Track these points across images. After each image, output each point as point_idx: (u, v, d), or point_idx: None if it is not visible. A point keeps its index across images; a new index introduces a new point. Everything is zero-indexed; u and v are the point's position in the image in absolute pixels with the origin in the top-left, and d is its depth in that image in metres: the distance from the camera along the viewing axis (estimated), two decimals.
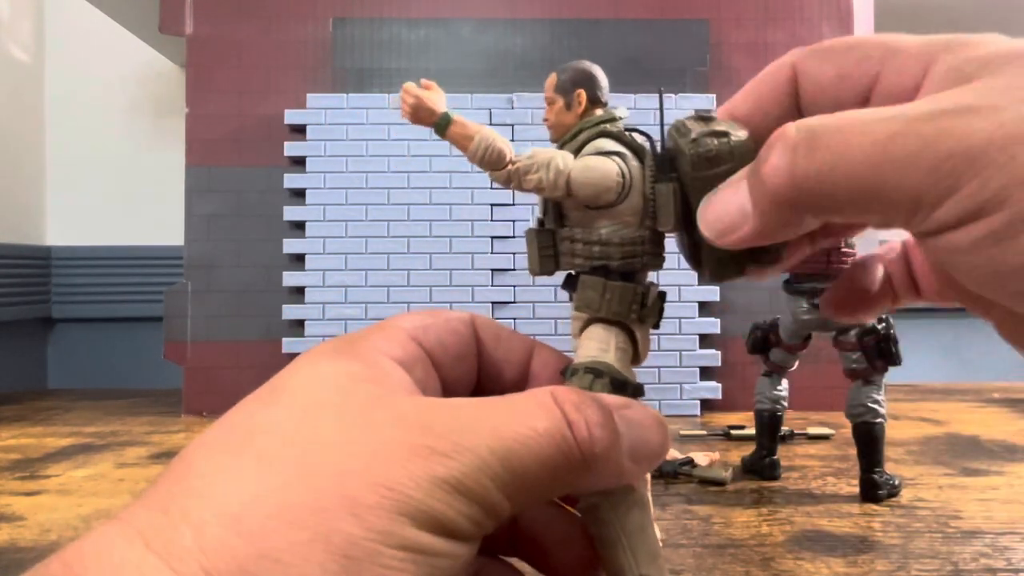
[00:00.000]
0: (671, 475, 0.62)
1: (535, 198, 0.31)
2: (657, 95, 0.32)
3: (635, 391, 0.28)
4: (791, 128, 0.21)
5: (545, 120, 0.33)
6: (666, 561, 0.27)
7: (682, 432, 0.81)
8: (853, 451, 0.58)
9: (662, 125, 0.30)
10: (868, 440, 0.57)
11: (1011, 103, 0.18)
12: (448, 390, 0.27)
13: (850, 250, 0.57)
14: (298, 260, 0.96)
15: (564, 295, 0.30)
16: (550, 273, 0.30)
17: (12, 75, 1.24)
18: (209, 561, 0.17)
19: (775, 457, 0.63)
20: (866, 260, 0.28)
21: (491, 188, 0.94)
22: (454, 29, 0.99)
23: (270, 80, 0.98)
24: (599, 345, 0.28)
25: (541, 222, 0.31)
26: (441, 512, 0.19)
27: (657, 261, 0.30)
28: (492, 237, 0.95)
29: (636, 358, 0.29)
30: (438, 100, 0.32)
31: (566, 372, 0.28)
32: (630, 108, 0.94)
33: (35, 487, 0.62)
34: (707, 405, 0.94)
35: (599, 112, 0.32)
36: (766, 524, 0.50)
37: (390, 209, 0.95)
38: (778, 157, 0.21)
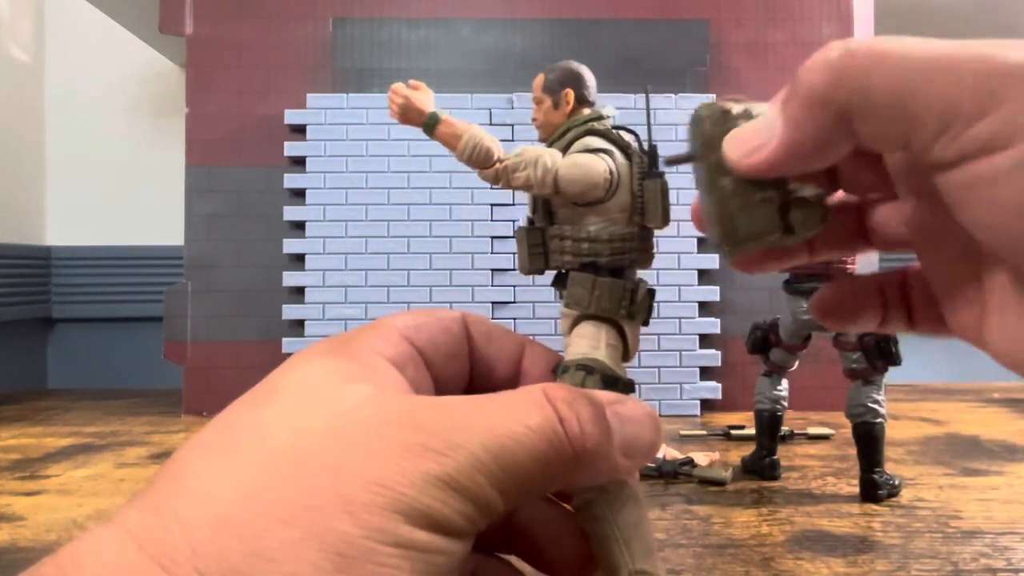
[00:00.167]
0: (671, 475, 0.62)
1: (531, 197, 0.31)
2: (644, 94, 0.32)
3: (626, 387, 0.28)
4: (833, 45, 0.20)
5: (533, 120, 0.33)
6: (663, 559, 0.27)
7: (682, 432, 0.81)
8: (853, 451, 0.58)
9: (649, 124, 0.30)
10: (868, 440, 0.57)
11: None
12: (440, 389, 0.27)
13: None
14: (298, 260, 0.96)
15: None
16: (540, 271, 0.30)
17: (12, 75, 1.24)
18: (202, 561, 0.17)
19: (775, 457, 0.63)
20: (864, 275, 0.27)
21: (491, 188, 0.94)
22: (454, 29, 0.99)
23: (270, 80, 0.98)
24: (589, 342, 0.28)
25: (531, 220, 0.31)
26: (435, 509, 0.19)
27: (646, 257, 0.30)
28: (492, 237, 0.95)
29: (626, 354, 0.29)
30: (426, 100, 0.32)
31: (557, 369, 0.28)
32: (630, 108, 0.95)
33: (35, 487, 0.62)
34: (707, 405, 0.94)
35: (587, 111, 0.32)
36: (766, 524, 0.50)
37: (390, 209, 0.95)
38: (817, 56, 0.20)
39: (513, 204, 0.95)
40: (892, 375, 0.57)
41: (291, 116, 0.97)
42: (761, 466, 0.62)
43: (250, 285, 0.96)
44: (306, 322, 0.94)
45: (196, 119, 0.98)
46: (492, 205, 0.95)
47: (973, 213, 0.19)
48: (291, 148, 0.96)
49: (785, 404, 0.63)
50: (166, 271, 1.24)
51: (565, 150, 0.30)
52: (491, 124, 0.95)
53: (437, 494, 0.19)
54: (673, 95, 0.97)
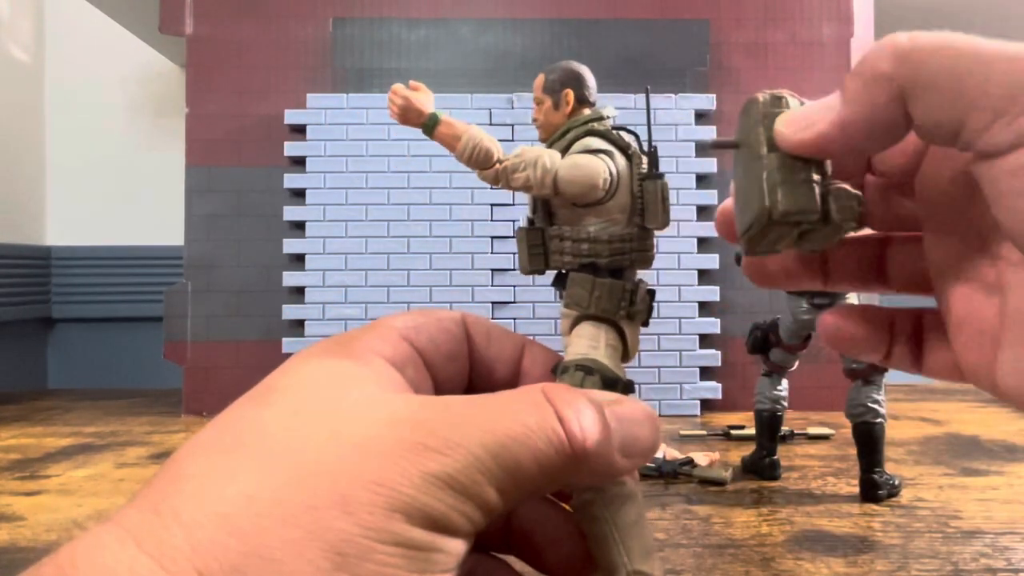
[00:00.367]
0: (671, 475, 0.62)
1: (531, 198, 0.31)
2: (645, 94, 0.32)
3: (625, 388, 0.28)
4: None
5: (534, 120, 0.33)
6: (663, 559, 0.27)
7: (682, 432, 0.80)
8: (853, 451, 0.58)
9: (649, 124, 0.30)
10: (868, 440, 0.57)
11: None
12: (440, 389, 0.27)
13: None
14: (298, 260, 0.96)
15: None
16: (540, 272, 0.30)
17: (12, 75, 1.24)
18: (201, 561, 0.17)
19: (775, 457, 0.63)
20: (877, 307, 0.27)
21: (491, 188, 0.94)
22: (454, 29, 0.99)
23: (270, 80, 0.98)
24: (589, 343, 0.28)
25: (531, 221, 0.31)
26: (434, 508, 0.19)
27: (646, 258, 0.30)
28: (492, 237, 0.95)
29: (626, 355, 0.29)
30: (426, 101, 0.32)
31: (557, 369, 0.28)
32: (630, 108, 0.95)
33: (35, 487, 0.62)
34: (707, 405, 0.94)
35: (587, 111, 0.32)
36: (766, 524, 0.50)
37: (390, 209, 0.95)
38: (883, 40, 0.21)
39: (513, 204, 0.95)
40: (892, 375, 0.57)
41: (291, 116, 0.97)
42: (761, 466, 0.62)
43: (250, 285, 0.96)
44: (306, 322, 0.94)
45: (196, 119, 0.98)
46: (492, 205, 0.95)
47: (1017, 204, 0.19)
48: (291, 148, 0.96)
49: (785, 404, 0.63)
50: (166, 271, 1.24)
51: (565, 151, 0.30)
52: (491, 124, 0.95)
53: (437, 493, 0.19)
54: (673, 95, 0.97)
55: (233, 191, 0.97)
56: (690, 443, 0.76)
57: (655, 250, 0.30)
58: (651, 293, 0.30)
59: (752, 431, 0.66)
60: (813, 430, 0.79)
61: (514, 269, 0.94)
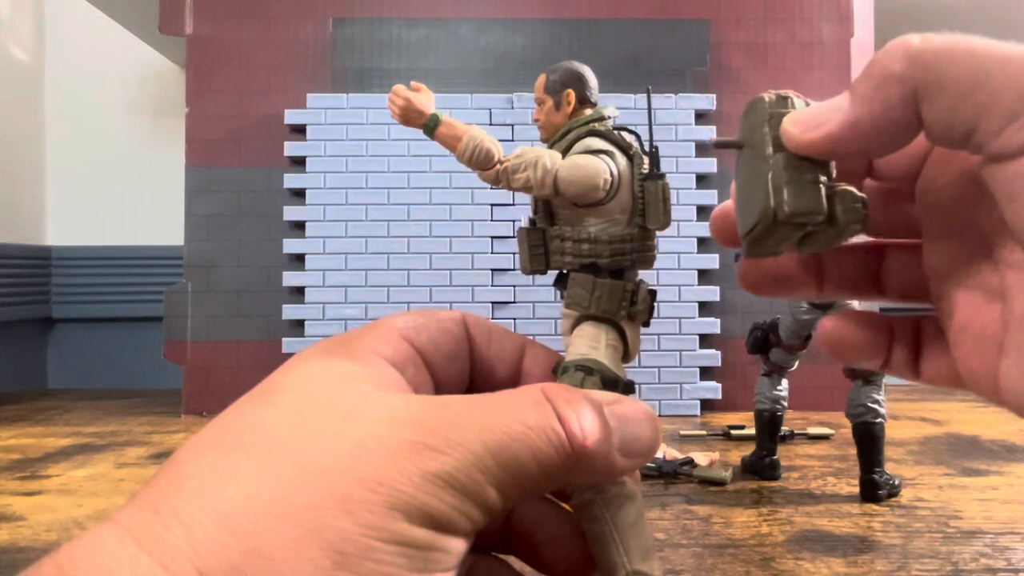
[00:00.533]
0: (671, 475, 0.62)
1: (532, 198, 0.31)
2: (646, 94, 0.32)
3: (625, 388, 0.28)
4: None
5: (535, 120, 0.33)
6: (663, 559, 0.27)
7: (682, 432, 0.80)
8: (853, 451, 0.58)
9: (651, 125, 0.30)
10: (868, 440, 0.57)
11: None
12: (440, 389, 0.27)
13: None
14: (298, 260, 0.96)
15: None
16: (542, 272, 0.30)
17: (12, 75, 1.24)
18: (201, 559, 0.17)
19: (775, 457, 0.63)
20: (876, 313, 0.27)
21: (491, 188, 0.94)
22: (454, 29, 0.99)
23: (270, 80, 0.98)
24: (589, 343, 0.28)
25: (533, 221, 0.31)
26: (433, 506, 0.19)
27: (646, 258, 0.30)
28: (492, 237, 0.95)
29: (626, 355, 0.29)
30: (427, 102, 0.32)
31: (557, 369, 0.28)
32: (631, 108, 0.95)
33: (35, 487, 0.62)
34: (707, 405, 0.94)
35: (588, 112, 0.32)
36: (766, 524, 0.50)
37: (390, 209, 0.95)
38: (896, 41, 0.20)
39: (513, 204, 0.95)
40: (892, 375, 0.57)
41: (291, 116, 0.97)
42: (761, 466, 0.62)
43: (250, 285, 0.96)
44: (306, 322, 0.94)
45: (196, 119, 0.98)
46: (492, 205, 0.95)
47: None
48: (291, 148, 0.96)
49: (785, 404, 0.63)
50: (166, 271, 1.24)
51: (566, 151, 0.30)
52: (491, 124, 0.95)
53: (436, 492, 0.19)
54: (673, 95, 0.97)
55: (233, 191, 0.97)
56: (690, 443, 0.76)
57: (656, 251, 0.30)
58: (652, 293, 0.30)
59: (752, 431, 0.66)
60: (813, 430, 0.79)
61: (514, 269, 0.94)
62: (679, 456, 0.65)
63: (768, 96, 0.24)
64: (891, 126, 0.21)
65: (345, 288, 0.95)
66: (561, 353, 0.29)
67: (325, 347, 0.24)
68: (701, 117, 0.98)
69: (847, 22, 1.00)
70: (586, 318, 0.29)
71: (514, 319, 0.94)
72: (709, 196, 0.96)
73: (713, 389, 0.94)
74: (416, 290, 0.94)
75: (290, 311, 0.94)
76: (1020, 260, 0.21)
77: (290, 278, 0.95)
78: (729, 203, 0.25)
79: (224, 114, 0.98)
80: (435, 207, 0.95)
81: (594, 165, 0.28)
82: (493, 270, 0.95)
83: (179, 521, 0.18)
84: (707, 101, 0.97)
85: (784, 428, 0.68)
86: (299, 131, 0.97)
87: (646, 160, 0.30)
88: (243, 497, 0.18)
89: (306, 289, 0.95)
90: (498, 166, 0.30)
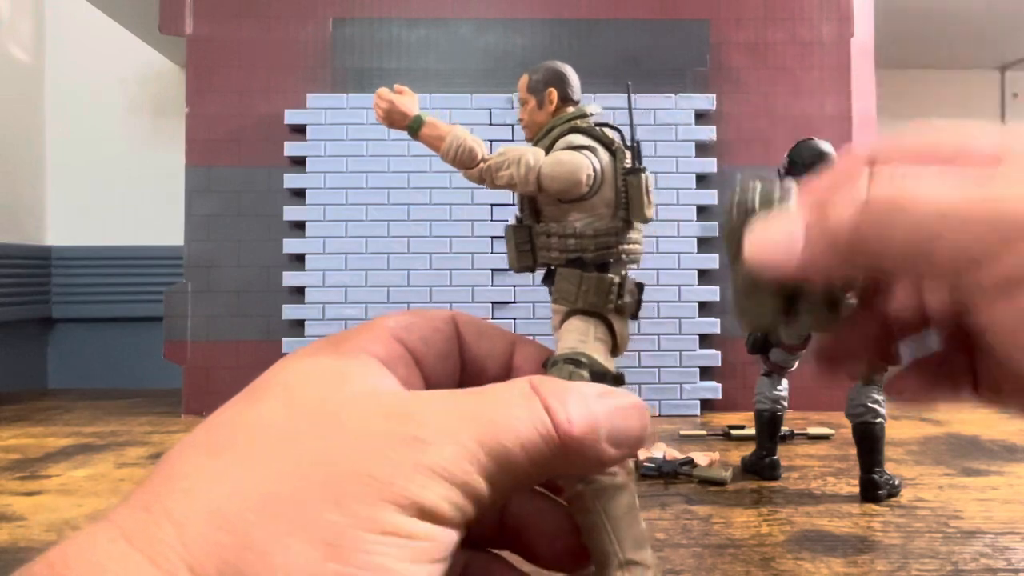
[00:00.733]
0: (671, 475, 0.62)
1: (518, 195, 0.31)
2: (627, 90, 0.32)
3: (614, 381, 0.28)
4: (863, 167, 0.22)
5: (520, 120, 0.33)
6: (663, 559, 0.27)
7: (682, 432, 0.80)
8: (853, 451, 0.58)
9: (631, 118, 0.30)
10: (868, 440, 0.57)
11: None
12: (431, 387, 0.27)
13: None
14: (298, 260, 0.96)
15: None
16: (530, 269, 0.31)
17: (12, 75, 1.24)
18: (192, 556, 0.17)
19: (775, 457, 0.63)
20: (932, 358, 0.27)
21: (487, 188, 0.94)
22: (454, 29, 0.99)
23: (270, 80, 0.98)
24: (578, 336, 0.29)
25: (519, 219, 0.31)
26: (425, 498, 0.19)
27: (632, 251, 0.30)
28: (492, 237, 0.95)
29: (615, 348, 0.29)
30: (410, 104, 0.33)
31: (547, 364, 0.28)
32: (633, 112, 0.95)
33: (35, 487, 0.62)
34: (707, 405, 0.94)
35: (570, 109, 0.32)
36: (766, 524, 0.50)
37: (390, 209, 0.95)
38: (844, 197, 0.21)
39: (513, 204, 0.95)
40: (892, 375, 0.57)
41: (291, 116, 0.97)
42: (761, 466, 0.62)
43: (250, 285, 0.96)
44: (306, 322, 0.94)
45: (196, 119, 0.98)
46: (492, 205, 0.95)
47: (1003, 348, 0.20)
48: (291, 148, 0.96)
49: (785, 404, 0.63)
50: (166, 271, 1.24)
51: (549, 148, 0.30)
52: (491, 124, 0.95)
53: (427, 483, 0.19)
54: (673, 95, 0.97)
55: (233, 191, 0.97)
56: (690, 443, 0.76)
57: (642, 244, 0.31)
58: (639, 287, 0.30)
59: (752, 431, 0.66)
60: (813, 430, 0.79)
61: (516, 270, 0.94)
62: (679, 456, 0.65)
63: (746, 192, 0.25)
64: (844, 271, 0.23)
65: (345, 288, 0.95)
66: (553, 349, 0.30)
67: (317, 347, 0.25)
68: (701, 117, 0.98)
69: (847, 22, 1.00)
70: (574, 312, 0.29)
71: (514, 319, 0.94)
72: (709, 196, 0.96)
73: (713, 389, 0.94)
74: (416, 290, 0.94)
75: (290, 311, 0.94)
76: None
77: (290, 278, 0.95)
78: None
79: (224, 114, 0.98)
80: (435, 207, 0.95)
81: (576, 160, 0.29)
82: (493, 270, 0.95)
83: (171, 519, 0.18)
84: (707, 101, 0.97)
85: (784, 428, 0.68)
86: (299, 131, 0.97)
87: (628, 155, 0.30)
88: (234, 494, 0.18)
89: (306, 289, 0.95)
90: (481, 164, 0.30)
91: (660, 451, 0.65)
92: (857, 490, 0.57)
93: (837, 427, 0.80)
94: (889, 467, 0.59)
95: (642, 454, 0.64)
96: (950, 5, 1.09)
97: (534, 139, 0.32)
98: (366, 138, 0.96)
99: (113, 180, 1.31)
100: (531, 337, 0.29)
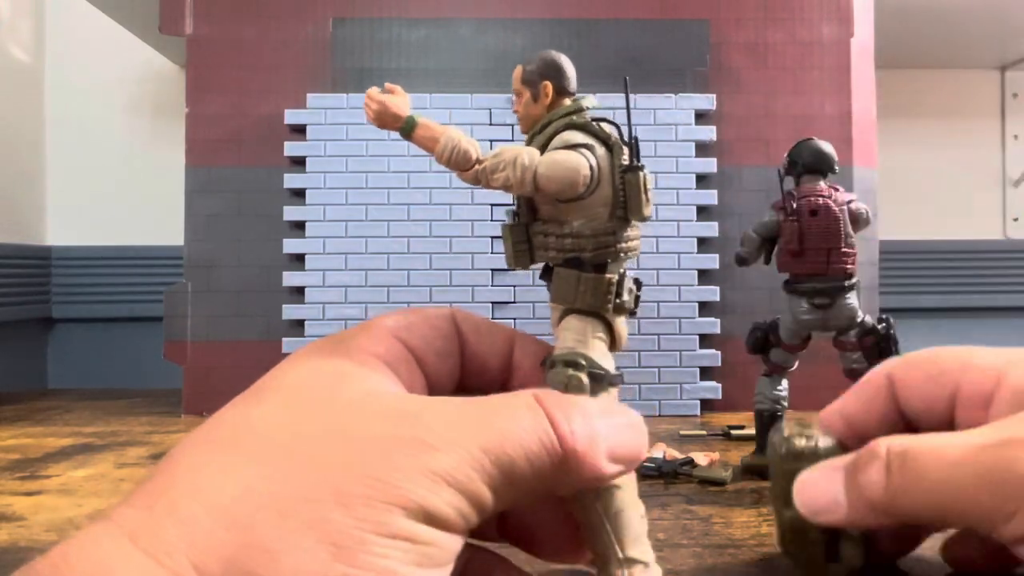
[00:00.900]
0: (671, 475, 0.62)
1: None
2: (624, 86, 0.32)
3: (612, 381, 0.28)
4: (882, 447, 0.26)
5: (515, 112, 0.33)
6: (663, 560, 0.27)
7: (682, 432, 0.80)
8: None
9: (629, 115, 0.30)
10: None
11: None
12: (432, 386, 0.27)
13: (850, 250, 0.57)
14: (298, 260, 0.96)
15: None
16: (526, 267, 0.31)
17: (12, 75, 1.24)
18: (196, 554, 0.17)
19: None
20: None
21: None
22: (454, 29, 0.99)
23: (270, 80, 0.98)
24: (576, 336, 0.29)
25: (516, 216, 0.31)
26: (430, 502, 0.19)
27: (630, 250, 0.30)
28: (492, 237, 0.95)
29: (614, 346, 0.29)
30: (402, 104, 0.32)
31: (546, 362, 0.28)
32: (631, 109, 0.95)
33: (35, 487, 0.62)
34: (707, 405, 0.94)
35: (567, 102, 0.32)
36: (766, 524, 0.50)
37: (390, 209, 0.95)
38: (876, 473, 0.26)
39: (514, 204, 0.95)
40: None
41: (291, 116, 0.97)
42: (761, 466, 0.62)
43: (250, 285, 0.96)
44: (306, 322, 0.94)
45: (196, 119, 0.98)
46: (492, 205, 0.95)
47: None
48: (291, 148, 0.96)
49: (785, 404, 0.63)
50: (166, 271, 1.24)
51: (545, 144, 0.30)
52: (491, 124, 0.95)
53: (433, 488, 0.19)
54: (673, 95, 0.97)
55: (233, 191, 0.97)
56: (690, 443, 0.76)
57: (640, 241, 0.31)
58: (637, 283, 0.30)
59: (752, 431, 0.66)
60: None
61: (512, 268, 0.94)
62: (679, 456, 0.65)
63: (784, 443, 0.32)
64: (880, 522, 0.27)
65: (345, 288, 0.95)
66: (552, 345, 0.30)
67: (318, 347, 0.25)
68: (701, 117, 0.98)
69: (847, 22, 1.00)
70: (572, 311, 0.29)
71: (514, 319, 0.94)
72: (709, 196, 0.96)
73: (713, 389, 0.94)
74: (416, 290, 0.94)
75: (290, 311, 0.94)
76: None
77: (290, 278, 0.95)
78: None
79: (224, 114, 0.98)
80: (435, 207, 0.95)
81: (574, 161, 0.28)
82: (493, 270, 0.95)
83: (174, 516, 0.18)
84: (707, 101, 0.97)
85: None
86: (299, 131, 0.97)
87: (626, 151, 0.30)
88: (240, 491, 0.18)
89: (306, 289, 0.95)
90: (477, 166, 0.30)
91: (660, 451, 0.65)
92: None
93: None
94: None
95: None
96: (950, 5, 1.09)
97: (530, 133, 0.32)
98: (366, 138, 0.96)
99: (113, 180, 1.31)
100: (513, 328, 0.30)
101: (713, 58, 0.99)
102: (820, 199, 0.57)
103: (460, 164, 0.30)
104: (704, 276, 0.96)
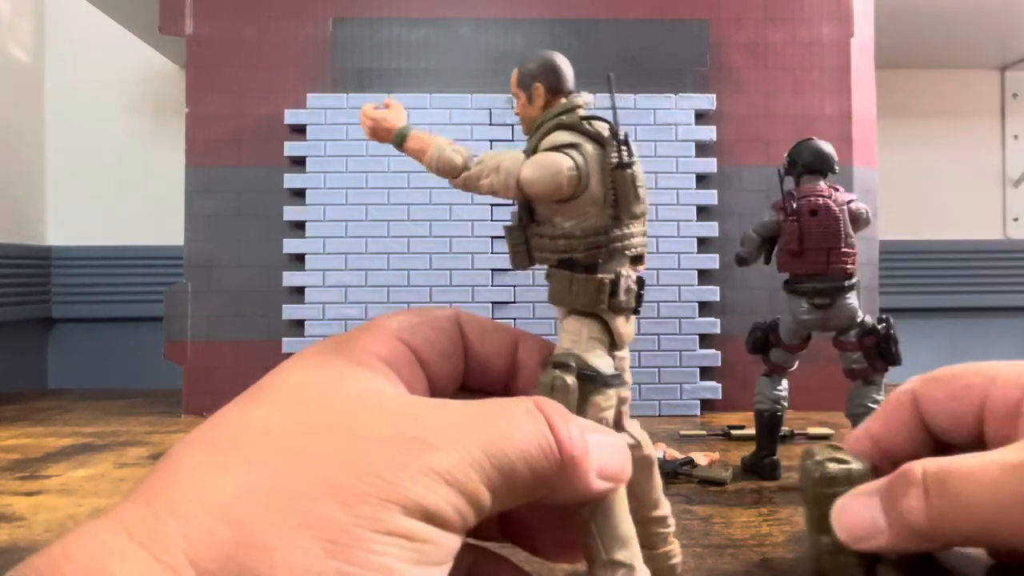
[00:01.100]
0: (671, 475, 0.62)
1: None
2: (608, 82, 0.32)
3: (607, 382, 0.28)
4: (917, 471, 0.26)
5: (516, 114, 0.33)
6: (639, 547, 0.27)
7: (682, 432, 0.81)
8: None
9: (614, 112, 0.30)
10: None
11: None
12: (435, 387, 0.27)
13: (850, 250, 0.57)
14: (298, 260, 0.96)
15: None
16: (525, 268, 0.31)
17: (12, 75, 1.24)
18: (194, 549, 0.17)
19: (775, 457, 0.63)
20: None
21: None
22: (454, 29, 0.99)
23: (270, 80, 0.98)
24: (571, 337, 0.29)
25: (519, 216, 0.31)
26: (428, 500, 0.19)
27: (624, 249, 0.30)
28: (492, 237, 0.95)
29: (614, 344, 0.29)
30: (395, 117, 0.33)
31: (546, 363, 0.28)
32: (630, 108, 0.95)
33: (35, 487, 0.62)
34: (707, 405, 0.94)
35: (563, 101, 0.32)
36: (766, 524, 0.50)
37: (390, 209, 0.95)
38: (916, 499, 0.26)
39: (513, 204, 0.95)
40: (892, 375, 0.57)
41: (291, 116, 0.97)
42: (761, 466, 0.62)
43: (250, 285, 0.96)
44: (306, 322, 0.94)
45: (196, 119, 0.98)
46: (492, 205, 0.95)
47: None
48: (291, 148, 0.96)
49: (785, 404, 0.63)
50: (166, 271, 1.24)
51: (538, 145, 0.30)
52: (491, 124, 0.95)
53: (432, 486, 0.19)
54: (673, 95, 0.97)
55: (233, 191, 0.97)
56: (690, 443, 0.76)
57: (644, 238, 0.31)
58: (639, 282, 0.30)
59: (752, 431, 0.66)
60: (813, 430, 0.79)
61: (514, 269, 0.94)
62: (679, 456, 0.65)
63: (816, 468, 0.32)
64: (921, 547, 0.27)
65: (345, 288, 0.95)
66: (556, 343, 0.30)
67: (320, 348, 0.25)
68: (701, 117, 0.98)
69: (847, 22, 1.00)
70: (571, 311, 0.29)
71: (514, 319, 0.94)
72: (709, 196, 0.96)
73: (713, 389, 0.94)
74: (416, 290, 0.94)
75: (290, 311, 0.94)
76: None
77: (290, 278, 0.95)
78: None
79: (224, 114, 0.98)
80: (435, 207, 0.95)
81: (555, 162, 0.28)
82: (493, 270, 0.95)
83: (172, 513, 0.18)
84: (707, 101, 0.97)
85: (784, 428, 0.68)
86: (299, 131, 0.97)
87: (617, 148, 0.30)
88: (238, 488, 0.18)
89: (306, 289, 0.95)
90: (464, 173, 0.30)
91: (660, 451, 0.65)
92: None
93: (837, 427, 0.80)
94: None
95: None
96: (950, 5, 1.09)
97: (529, 134, 0.32)
98: (366, 138, 0.95)
99: (113, 180, 1.31)
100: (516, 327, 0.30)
101: (713, 58, 0.99)
102: (820, 199, 0.57)
103: (447, 172, 0.31)
104: (704, 276, 0.96)
